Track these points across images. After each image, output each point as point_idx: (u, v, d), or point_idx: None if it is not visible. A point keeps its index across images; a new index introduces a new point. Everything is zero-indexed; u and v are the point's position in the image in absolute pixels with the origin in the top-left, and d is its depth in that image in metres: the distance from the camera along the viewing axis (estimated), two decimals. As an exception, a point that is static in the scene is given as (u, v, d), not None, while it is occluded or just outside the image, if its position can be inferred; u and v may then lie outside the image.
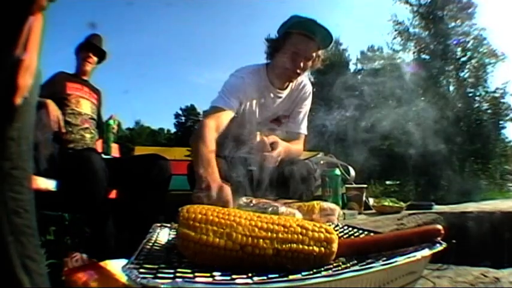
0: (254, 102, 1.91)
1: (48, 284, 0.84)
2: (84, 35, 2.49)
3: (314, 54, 1.86)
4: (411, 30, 16.38)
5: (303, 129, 2.08)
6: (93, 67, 2.54)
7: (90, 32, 2.54)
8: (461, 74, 15.55)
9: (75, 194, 1.71)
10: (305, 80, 2.07)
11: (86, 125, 2.26)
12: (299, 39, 1.80)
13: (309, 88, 2.08)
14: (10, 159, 0.74)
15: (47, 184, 1.71)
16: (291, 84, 2.00)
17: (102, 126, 2.45)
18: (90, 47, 2.48)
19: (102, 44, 2.54)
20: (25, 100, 0.77)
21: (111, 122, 2.38)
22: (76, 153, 2.00)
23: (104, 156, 2.17)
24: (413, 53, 16.44)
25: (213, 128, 1.64)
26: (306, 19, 1.81)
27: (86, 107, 2.35)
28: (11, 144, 0.74)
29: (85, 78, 2.50)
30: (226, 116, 1.74)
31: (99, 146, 2.43)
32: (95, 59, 2.52)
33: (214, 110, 1.76)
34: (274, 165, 1.64)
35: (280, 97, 1.98)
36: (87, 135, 2.24)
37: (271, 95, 1.95)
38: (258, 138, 1.65)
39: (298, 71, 1.86)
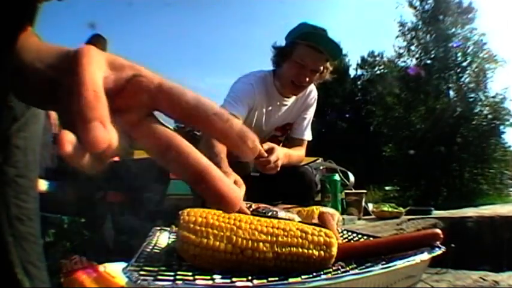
0: (262, 110, 1.87)
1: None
2: (88, 35, 2.29)
3: (322, 67, 1.80)
4: (414, 33, 16.44)
5: (307, 135, 2.05)
6: None
7: (93, 32, 2.40)
8: (462, 79, 15.57)
9: (74, 196, 1.71)
10: (311, 86, 2.02)
11: None
12: (306, 51, 1.74)
13: (314, 94, 2.04)
14: (15, 167, 0.74)
15: (40, 184, 1.69)
16: None
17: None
18: None
19: (106, 46, 2.36)
20: (32, 112, 0.76)
21: None
22: None
23: None
24: (416, 58, 16.49)
25: None
26: (314, 30, 1.76)
27: None
28: (17, 153, 0.74)
29: None
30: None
31: None
32: None
33: None
34: (273, 172, 1.57)
35: (285, 105, 1.94)
36: None
37: (278, 103, 1.92)
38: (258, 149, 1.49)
39: (304, 84, 1.81)
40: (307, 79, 1.79)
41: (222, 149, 1.37)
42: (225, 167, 1.25)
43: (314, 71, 1.79)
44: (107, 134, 0.26)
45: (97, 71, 0.31)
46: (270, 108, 1.90)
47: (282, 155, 1.60)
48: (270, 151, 1.53)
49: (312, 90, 2.04)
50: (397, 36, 16.79)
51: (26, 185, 0.76)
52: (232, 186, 0.31)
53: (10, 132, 0.72)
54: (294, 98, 1.97)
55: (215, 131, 0.32)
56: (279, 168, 1.56)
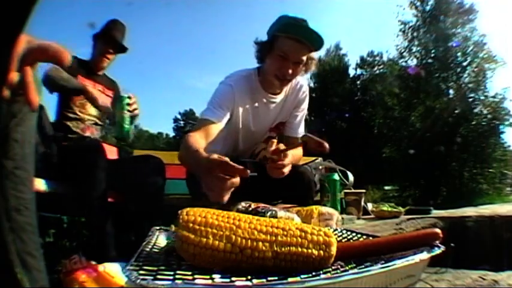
0: (246, 108, 1.83)
1: (47, 281, 0.88)
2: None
3: (304, 58, 1.74)
4: (414, 33, 16.47)
5: (301, 133, 2.00)
6: (111, 62, 2.27)
7: (111, 18, 2.24)
8: (462, 79, 15.60)
9: (74, 193, 1.70)
10: (301, 81, 1.97)
11: (87, 133, 2.14)
12: (287, 43, 1.69)
13: (305, 89, 1.99)
14: (13, 159, 0.80)
15: (39, 184, 1.67)
16: (285, 88, 1.90)
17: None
18: (110, 40, 2.18)
19: (124, 34, 2.25)
20: (28, 108, 0.83)
21: (125, 98, 1.93)
22: (77, 146, 1.96)
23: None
24: (416, 57, 16.52)
25: (199, 138, 1.55)
26: (294, 21, 1.72)
27: (92, 110, 2.18)
28: (15, 146, 0.80)
29: (99, 73, 2.26)
30: (214, 128, 1.66)
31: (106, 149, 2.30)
32: (113, 55, 2.24)
33: (201, 122, 1.69)
34: (282, 176, 1.50)
35: (274, 102, 1.90)
36: None
37: (264, 100, 1.87)
38: (273, 147, 1.45)
39: (288, 77, 1.76)
40: (291, 71, 1.73)
41: (197, 146, 1.39)
42: (201, 152, 1.25)
43: (297, 63, 1.73)
44: (14, 75, 0.60)
45: (20, 47, 0.61)
46: (256, 105, 1.86)
47: (291, 158, 1.55)
48: (284, 155, 1.48)
49: (303, 85, 1.98)
50: (398, 36, 16.82)
51: (23, 176, 0.82)
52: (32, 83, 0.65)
53: (9, 128, 0.79)
54: (283, 95, 1.92)
55: (53, 56, 0.68)
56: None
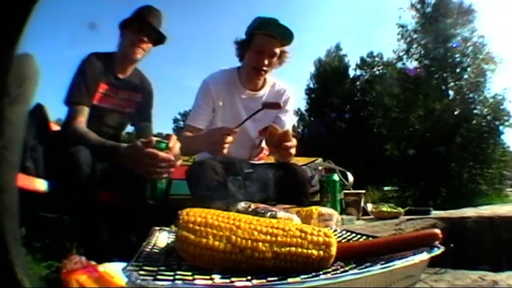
0: (224, 100, 2.01)
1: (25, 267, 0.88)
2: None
3: (278, 51, 1.95)
4: (414, 35, 16.45)
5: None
6: (146, 54, 1.91)
7: (142, 4, 1.91)
8: (461, 80, 15.57)
9: (66, 194, 1.69)
10: (285, 86, 2.15)
11: None
12: (262, 38, 1.92)
13: (288, 92, 2.15)
14: (2, 137, 0.81)
15: (39, 184, 1.65)
16: (266, 88, 2.08)
17: (142, 130, 1.87)
18: (143, 26, 1.83)
19: (160, 22, 1.91)
20: (21, 91, 0.87)
21: (161, 144, 1.45)
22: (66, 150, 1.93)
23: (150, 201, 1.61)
24: (416, 58, 16.50)
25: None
26: (267, 20, 1.94)
27: (110, 120, 1.93)
28: (5, 124, 0.82)
29: (125, 75, 1.93)
30: (198, 131, 1.96)
31: None
32: (150, 44, 1.88)
33: (188, 128, 2.01)
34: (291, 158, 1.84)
35: (254, 99, 2.03)
36: None
37: (242, 96, 2.03)
38: (280, 131, 1.74)
39: (264, 68, 1.95)
40: (267, 62, 1.94)
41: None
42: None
43: (271, 56, 1.95)
44: None
45: None
46: (235, 99, 2.02)
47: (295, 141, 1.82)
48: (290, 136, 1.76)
49: (286, 90, 2.15)
50: (398, 36, 16.81)
51: (8, 157, 0.84)
52: None
53: (2, 105, 0.79)
54: (262, 93, 2.07)
55: None
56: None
